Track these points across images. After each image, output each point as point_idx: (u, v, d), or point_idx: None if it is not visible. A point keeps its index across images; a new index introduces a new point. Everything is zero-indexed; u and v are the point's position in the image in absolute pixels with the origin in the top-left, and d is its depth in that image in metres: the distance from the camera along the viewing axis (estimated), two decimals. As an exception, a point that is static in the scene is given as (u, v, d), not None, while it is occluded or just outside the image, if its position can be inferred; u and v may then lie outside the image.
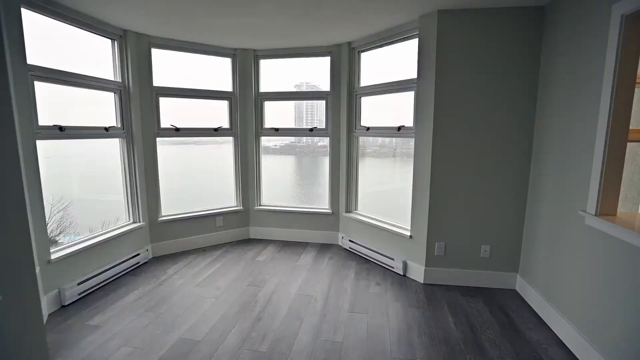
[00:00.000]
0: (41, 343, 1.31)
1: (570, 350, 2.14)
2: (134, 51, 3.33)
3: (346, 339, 2.27)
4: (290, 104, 4.37)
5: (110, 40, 3.24)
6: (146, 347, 2.17)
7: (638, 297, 1.64)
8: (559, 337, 2.28)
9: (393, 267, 3.33)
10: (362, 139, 3.92)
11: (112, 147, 3.40)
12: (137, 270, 3.36)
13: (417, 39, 2.98)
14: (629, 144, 3.65)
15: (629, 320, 1.69)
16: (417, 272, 3.14)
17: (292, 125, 4.32)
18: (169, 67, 3.66)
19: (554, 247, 2.41)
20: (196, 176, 4.39)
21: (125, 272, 3.28)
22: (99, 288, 2.96)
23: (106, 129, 3.13)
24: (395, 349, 2.17)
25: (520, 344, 2.22)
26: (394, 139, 3.77)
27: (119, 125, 3.31)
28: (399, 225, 3.41)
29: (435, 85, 2.84)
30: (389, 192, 3.99)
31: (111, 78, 3.27)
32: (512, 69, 2.73)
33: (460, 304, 2.73)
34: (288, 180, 4.88)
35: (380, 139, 3.99)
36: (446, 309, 2.66)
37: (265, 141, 4.29)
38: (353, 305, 2.71)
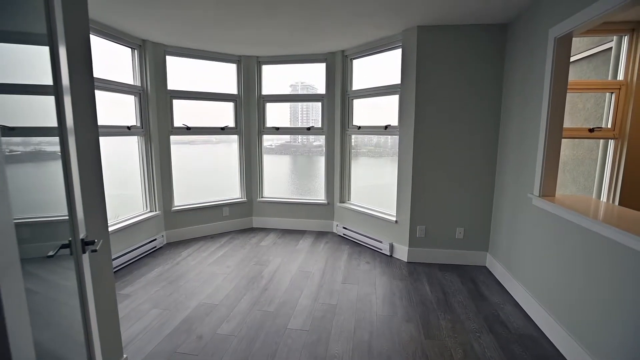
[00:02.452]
0: (112, 289, 1.74)
1: (522, 308, 2.62)
2: (152, 58, 3.75)
3: (340, 302, 2.73)
4: (286, 104, 4.79)
5: (130, 49, 3.66)
6: (172, 309, 2.61)
7: (568, 259, 2.12)
8: (514, 299, 2.76)
9: (381, 249, 3.79)
10: (358, 139, 4.38)
11: (115, 145, 3.70)
12: (154, 253, 3.79)
13: (400, 49, 3.44)
14: (586, 142, 4.16)
15: (560, 275, 2.17)
16: (402, 252, 3.61)
17: (287, 124, 4.76)
18: (181, 72, 4.08)
19: (513, 226, 2.89)
20: (201, 172, 4.79)
21: (145, 254, 3.71)
22: (123, 267, 3.38)
23: (128, 127, 3.55)
24: (379, 309, 2.63)
25: (483, 305, 2.69)
26: (388, 140, 4.20)
27: (139, 125, 3.73)
28: (387, 212, 3.88)
29: (416, 90, 3.31)
30: (381, 186, 4.41)
31: (131, 82, 3.69)
32: (481, 76, 3.20)
33: (437, 277, 3.20)
34: (284, 181, 5.25)
35: (375, 139, 4.44)
36: (425, 280, 3.13)
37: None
38: (346, 279, 3.16)
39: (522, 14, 2.80)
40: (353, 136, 4.35)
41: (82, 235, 1.34)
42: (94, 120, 1.59)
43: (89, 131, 1.57)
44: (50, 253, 1.21)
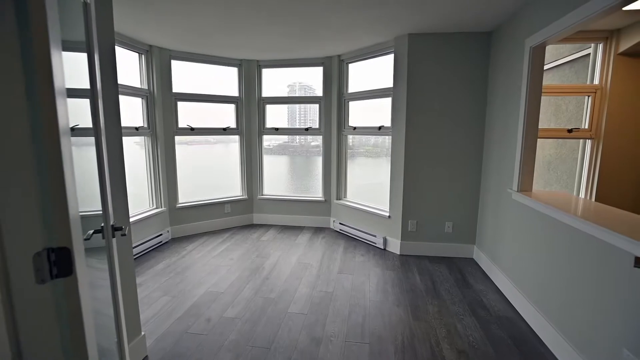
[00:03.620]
0: (132, 272, 1.95)
1: (503, 294, 2.85)
2: (158, 63, 3.96)
3: (336, 290, 2.94)
4: (284, 105, 4.99)
5: (137, 54, 3.86)
6: (181, 296, 2.82)
7: (542, 248, 2.35)
8: (497, 287, 2.99)
9: (375, 243, 4.01)
10: (356, 139, 4.61)
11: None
12: (160, 248, 3.99)
13: (393, 54, 3.67)
14: (569, 142, 4.40)
15: (535, 263, 2.40)
16: (394, 246, 3.83)
17: (285, 125, 4.98)
18: (185, 75, 4.29)
19: (496, 219, 3.12)
20: (202, 171, 4.99)
21: (151, 248, 3.91)
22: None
23: (136, 128, 3.75)
24: (372, 295, 2.85)
25: (468, 292, 2.92)
26: (386, 140, 4.38)
27: (146, 126, 3.94)
28: (380, 208, 4.10)
29: (407, 92, 3.53)
30: (378, 184, 4.59)
31: (138, 85, 3.89)
32: (468, 79, 3.43)
33: (427, 268, 3.42)
34: (283, 180, 5.41)
35: (372, 140, 4.65)
36: (415, 271, 3.36)
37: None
38: (341, 269, 3.38)
39: (502, 24, 3.03)
40: (351, 136, 4.57)
41: (111, 222, 1.55)
42: (118, 121, 1.80)
43: (115, 131, 1.78)
44: (85, 237, 1.42)
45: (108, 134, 1.72)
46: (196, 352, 2.12)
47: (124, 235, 1.52)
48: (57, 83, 0.87)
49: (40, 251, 0.83)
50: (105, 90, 1.71)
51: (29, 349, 0.81)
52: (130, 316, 1.93)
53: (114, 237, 1.55)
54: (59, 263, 0.87)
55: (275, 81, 4.83)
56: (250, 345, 2.19)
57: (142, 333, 2.04)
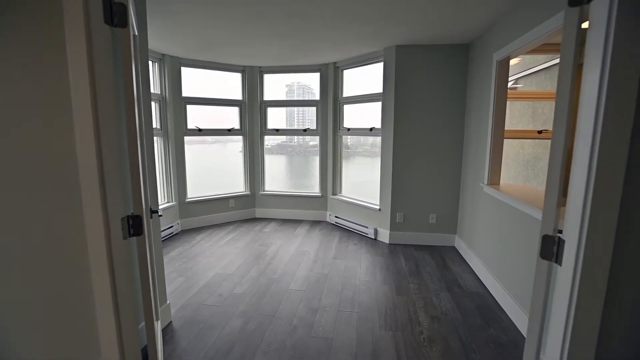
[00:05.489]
0: (159, 248, 2.34)
1: (476, 274, 3.27)
2: (169, 70, 4.34)
3: (330, 271, 3.35)
4: (284, 107, 5.39)
5: (151, 62, 4.25)
6: (195, 277, 3.22)
7: (505, 232, 2.76)
8: (473, 269, 3.40)
9: (367, 233, 4.42)
10: (354, 139, 5.02)
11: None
12: (172, 238, 4.39)
13: (382, 63, 4.07)
14: (545, 141, 4.81)
15: (500, 246, 2.81)
16: (384, 236, 4.24)
17: (284, 125, 5.38)
18: (194, 80, 4.68)
19: (473, 210, 3.53)
20: (204, 169, 5.38)
21: (164, 238, 4.30)
22: (148, 248, 3.97)
23: (151, 129, 4.14)
24: (362, 276, 3.26)
25: (446, 274, 3.33)
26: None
27: (159, 127, 4.33)
28: (372, 202, 4.51)
29: (395, 97, 3.94)
30: (373, 180, 5.03)
31: (152, 90, 4.28)
32: (449, 86, 3.84)
33: (412, 254, 3.83)
34: (283, 177, 5.81)
35: (371, 140, 5.05)
36: (402, 257, 3.76)
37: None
38: (336, 256, 3.79)
39: (476, 39, 3.44)
40: (349, 137, 4.98)
41: (149, 206, 1.95)
42: (150, 123, 2.19)
43: (149, 132, 2.17)
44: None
45: (146, 134, 2.11)
46: (211, 319, 2.52)
47: (160, 216, 1.91)
48: (135, 92, 1.27)
49: (124, 216, 1.23)
50: (144, 98, 2.10)
51: (120, 286, 1.21)
52: (159, 287, 2.32)
53: (151, 217, 1.94)
54: (135, 226, 1.27)
55: (275, 85, 5.23)
56: (257, 314, 2.59)
57: (168, 302, 2.44)
